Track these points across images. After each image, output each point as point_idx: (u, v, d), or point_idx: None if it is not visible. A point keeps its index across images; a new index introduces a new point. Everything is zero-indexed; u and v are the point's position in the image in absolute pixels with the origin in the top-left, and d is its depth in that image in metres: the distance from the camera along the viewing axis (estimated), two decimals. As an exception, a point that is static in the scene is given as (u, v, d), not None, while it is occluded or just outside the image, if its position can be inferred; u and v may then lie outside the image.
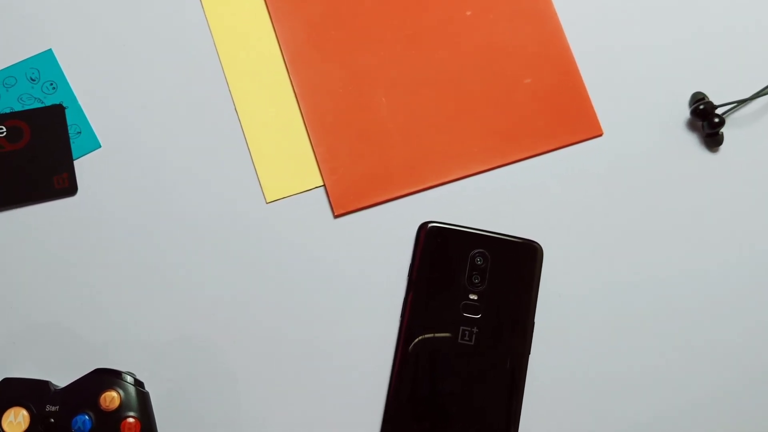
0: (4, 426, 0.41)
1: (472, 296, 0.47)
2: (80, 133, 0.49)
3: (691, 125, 0.51)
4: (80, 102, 0.49)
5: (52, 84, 0.49)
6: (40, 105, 0.49)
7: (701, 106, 0.50)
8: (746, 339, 0.48)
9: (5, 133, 0.48)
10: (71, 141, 0.49)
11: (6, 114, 0.48)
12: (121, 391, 0.43)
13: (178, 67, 0.50)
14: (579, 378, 0.48)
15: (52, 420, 0.42)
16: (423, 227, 0.48)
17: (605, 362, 0.48)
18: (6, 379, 0.43)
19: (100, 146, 0.49)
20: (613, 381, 0.48)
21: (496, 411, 0.46)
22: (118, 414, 0.42)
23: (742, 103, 0.50)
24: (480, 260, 0.47)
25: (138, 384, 0.43)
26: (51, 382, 0.43)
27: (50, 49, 0.50)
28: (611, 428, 0.47)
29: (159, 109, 0.50)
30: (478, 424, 0.45)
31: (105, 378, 0.43)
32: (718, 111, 0.50)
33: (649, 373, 0.48)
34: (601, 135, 0.50)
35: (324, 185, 0.49)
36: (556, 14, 0.51)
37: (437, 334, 0.46)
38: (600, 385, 0.48)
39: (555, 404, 0.47)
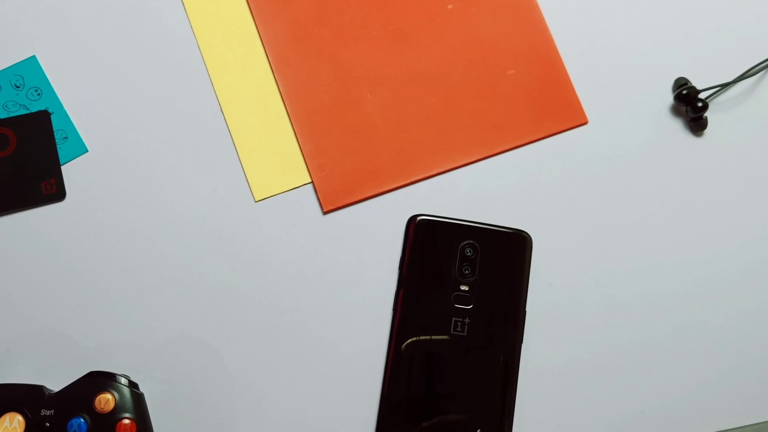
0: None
1: (463, 287, 0.47)
2: (67, 138, 0.49)
3: (676, 110, 0.51)
4: (66, 107, 0.49)
5: (36, 90, 0.49)
6: (25, 112, 0.49)
7: (684, 91, 0.50)
8: (736, 324, 0.49)
9: (-8, 141, 0.48)
10: (58, 146, 0.49)
11: (-8, 122, 0.49)
12: (115, 393, 0.43)
13: (162, 69, 0.50)
14: (572, 366, 0.48)
15: (48, 424, 0.42)
16: (412, 220, 0.48)
17: (597, 350, 0.48)
18: (0, 385, 0.43)
19: (87, 151, 0.49)
20: (605, 368, 0.48)
21: (490, 400, 0.46)
22: (114, 416, 0.42)
23: (724, 87, 0.50)
24: (470, 251, 0.48)
25: (133, 385, 0.44)
26: (45, 387, 0.43)
27: (34, 56, 0.50)
28: (604, 416, 0.47)
29: (145, 113, 0.50)
30: (472, 413, 0.46)
31: (99, 380, 0.43)
32: (702, 95, 0.50)
33: (641, 360, 0.48)
34: (586, 123, 0.51)
35: (312, 182, 0.49)
36: (537, 4, 0.51)
37: (430, 326, 0.47)
38: (593, 373, 0.48)
39: (548, 392, 0.48)
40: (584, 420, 0.47)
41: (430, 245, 0.48)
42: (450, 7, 0.51)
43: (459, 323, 0.47)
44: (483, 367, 0.46)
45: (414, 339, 0.46)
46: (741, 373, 0.48)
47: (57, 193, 0.48)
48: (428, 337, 0.46)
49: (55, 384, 0.44)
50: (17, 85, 0.49)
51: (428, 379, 0.46)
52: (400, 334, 0.47)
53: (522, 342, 0.47)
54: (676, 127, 0.51)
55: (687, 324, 0.49)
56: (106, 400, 0.42)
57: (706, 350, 0.48)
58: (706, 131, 0.51)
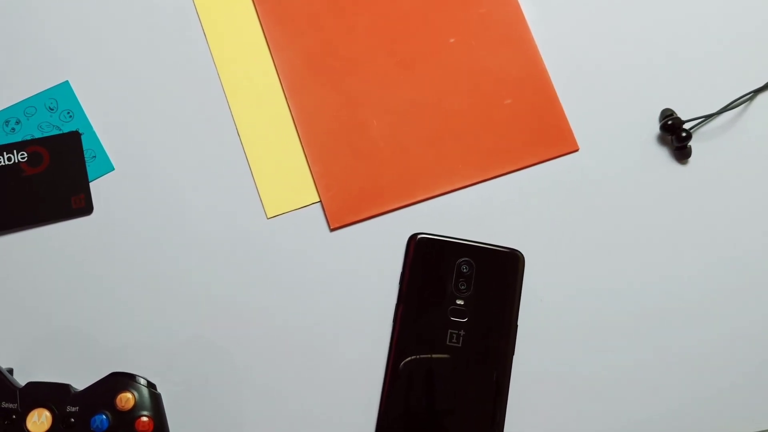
0: (29, 426, 0.44)
1: (459, 301, 0.50)
2: (95, 157, 0.52)
3: (661, 139, 0.53)
4: (95, 129, 0.52)
5: (69, 113, 0.53)
6: (58, 132, 0.52)
7: (670, 122, 0.52)
8: (719, 341, 0.50)
9: (27, 159, 0.51)
10: (87, 164, 0.52)
11: (27, 141, 0.52)
12: (135, 393, 0.45)
13: (184, 94, 0.53)
14: (561, 377, 0.50)
15: (73, 420, 0.44)
16: (413, 238, 0.51)
17: (585, 362, 0.50)
18: (30, 383, 0.45)
19: (113, 169, 0.52)
20: (593, 380, 0.50)
21: (482, 408, 0.48)
22: (133, 413, 0.44)
23: (708, 118, 0.53)
24: (466, 268, 0.50)
25: (151, 386, 0.46)
26: (71, 385, 0.45)
27: (67, 81, 0.53)
28: (592, 426, 0.49)
29: (167, 134, 0.53)
30: (465, 420, 0.48)
31: (120, 380, 0.45)
32: (686, 126, 0.52)
33: (627, 373, 0.50)
34: (577, 150, 0.53)
35: (320, 201, 0.52)
36: (533, 39, 0.55)
37: (427, 336, 0.49)
38: (581, 384, 0.50)
39: (538, 402, 0.49)
40: (573, 430, 0.49)
41: (428, 262, 0.50)
42: (452, 40, 0.55)
43: (454, 335, 0.49)
44: (476, 377, 0.48)
45: (412, 348, 0.49)
46: (723, 385, 0.50)
47: (85, 208, 0.51)
48: (425, 347, 0.49)
49: (80, 383, 0.46)
50: (51, 107, 0.53)
51: (424, 387, 0.48)
52: (399, 343, 0.49)
53: (514, 354, 0.49)
54: (662, 155, 0.53)
55: (670, 338, 0.50)
56: (126, 399, 0.44)
57: (692, 365, 0.50)
58: (690, 159, 0.53)
